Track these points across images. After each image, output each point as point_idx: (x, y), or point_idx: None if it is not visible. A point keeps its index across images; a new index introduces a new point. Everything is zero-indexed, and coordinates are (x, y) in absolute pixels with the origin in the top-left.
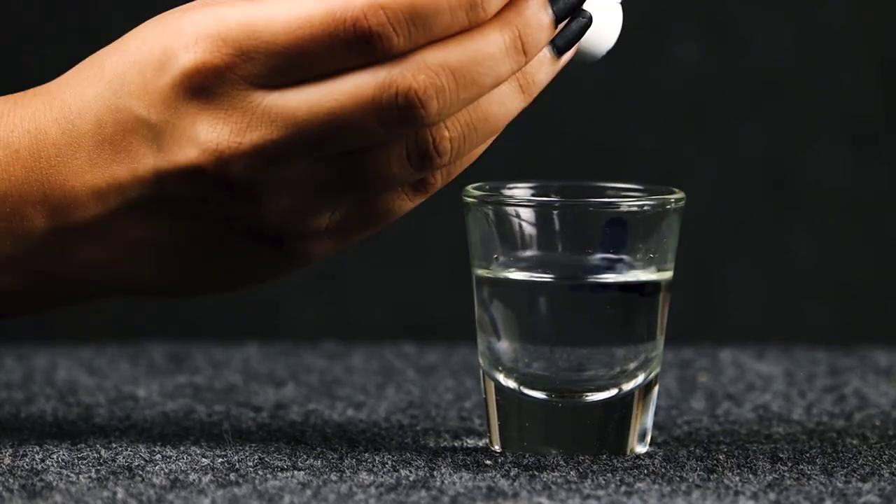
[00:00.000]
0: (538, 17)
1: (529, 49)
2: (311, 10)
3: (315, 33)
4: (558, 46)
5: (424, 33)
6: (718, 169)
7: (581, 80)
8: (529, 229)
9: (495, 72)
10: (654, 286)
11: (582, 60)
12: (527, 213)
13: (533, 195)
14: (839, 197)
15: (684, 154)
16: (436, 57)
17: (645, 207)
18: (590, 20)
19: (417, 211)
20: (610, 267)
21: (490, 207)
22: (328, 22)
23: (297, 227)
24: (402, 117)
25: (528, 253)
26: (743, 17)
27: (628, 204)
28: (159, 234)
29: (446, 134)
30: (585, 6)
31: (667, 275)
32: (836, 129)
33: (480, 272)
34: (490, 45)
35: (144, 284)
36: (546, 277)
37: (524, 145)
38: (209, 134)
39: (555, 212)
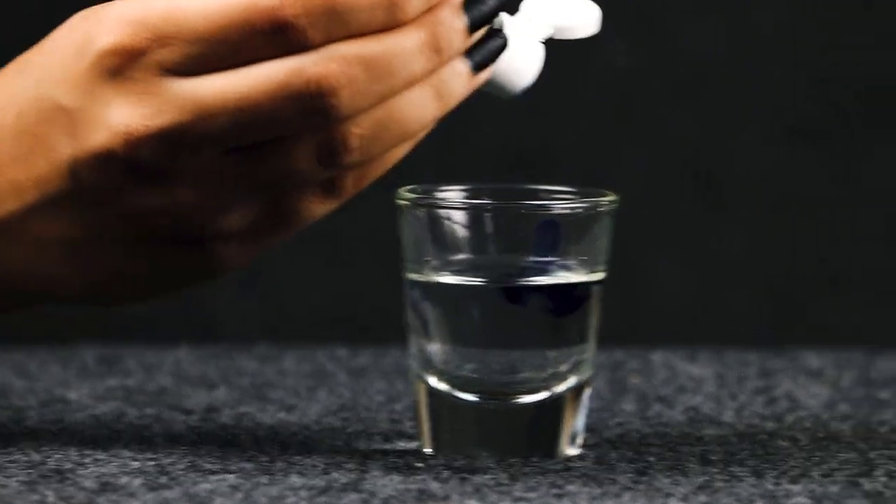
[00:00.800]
0: (452, 20)
1: (444, 48)
2: (231, 0)
3: (233, 22)
4: (475, 62)
5: (341, 28)
6: (647, 167)
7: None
8: (462, 232)
9: (409, 67)
10: (585, 288)
11: (499, 93)
12: (459, 216)
13: (465, 198)
14: (769, 195)
15: (614, 152)
16: (350, 48)
17: (577, 210)
18: (506, 42)
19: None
20: (542, 270)
21: (422, 210)
22: (246, 11)
23: (206, 225)
24: (312, 107)
25: (461, 256)
26: (671, 11)
27: (560, 206)
28: (74, 232)
29: (356, 130)
30: (509, 42)
31: (599, 277)
32: (765, 125)
33: (412, 275)
34: (405, 41)
35: (62, 287)
36: (478, 280)
37: (457, 148)
38: (120, 117)
39: (487, 214)
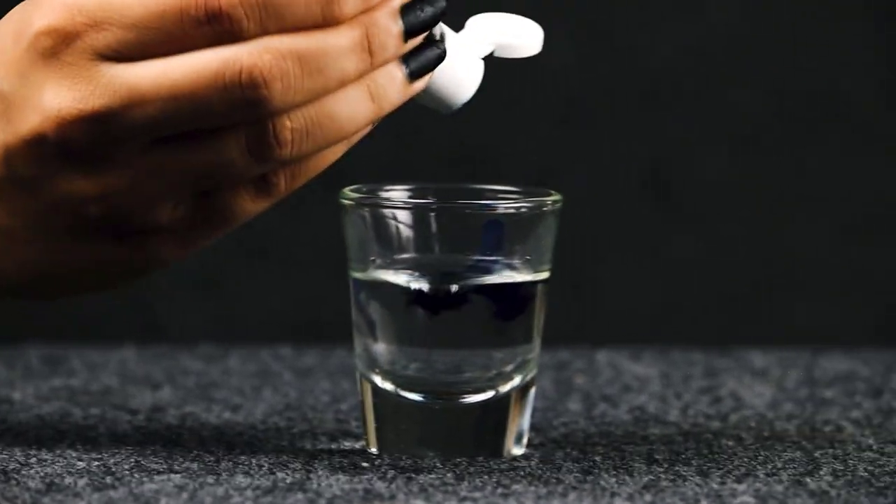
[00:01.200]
0: (387, 23)
1: (375, 50)
2: None
3: (167, 9)
4: (411, 70)
5: (276, 21)
6: (596, 168)
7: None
8: (406, 231)
9: (341, 65)
10: (530, 288)
11: (437, 107)
12: (403, 216)
13: (410, 197)
14: (716, 197)
15: (561, 153)
16: (284, 42)
17: (522, 209)
18: (443, 52)
19: (294, 213)
20: (487, 269)
21: (367, 210)
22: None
23: (137, 217)
24: (244, 97)
25: (405, 255)
26: (621, 16)
27: (505, 206)
28: (8, 221)
29: (288, 124)
30: (448, 55)
31: (543, 276)
32: (713, 128)
33: (357, 274)
34: (338, 39)
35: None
36: (423, 280)
37: (401, 147)
38: (53, 100)
39: (431, 214)
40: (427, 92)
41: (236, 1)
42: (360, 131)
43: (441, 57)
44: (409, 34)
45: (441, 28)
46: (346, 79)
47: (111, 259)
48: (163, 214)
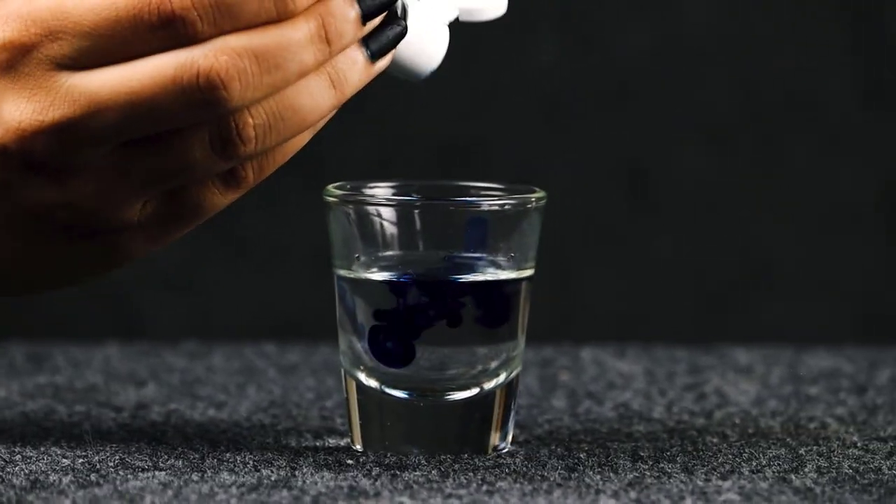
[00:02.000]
0: (343, 10)
1: (333, 39)
2: None
3: (121, 16)
4: (372, 51)
5: (230, 21)
6: (578, 166)
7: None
8: (390, 229)
9: (299, 58)
10: (514, 285)
11: (406, 77)
12: (388, 213)
13: (394, 194)
14: (697, 194)
15: (544, 151)
16: (239, 41)
17: (506, 207)
18: (405, 29)
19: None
20: (471, 266)
21: (351, 207)
22: (134, 5)
23: (107, 218)
24: (203, 99)
25: (389, 252)
26: (601, 15)
27: (489, 203)
28: None
29: (250, 121)
30: (410, 22)
31: (528, 273)
32: (695, 126)
33: (342, 272)
34: (294, 31)
35: None
36: (407, 277)
37: (385, 144)
38: (12, 113)
39: (416, 211)
40: (394, 64)
41: (189, 3)
42: (325, 118)
43: (402, 34)
44: (367, 17)
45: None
46: (306, 70)
47: (81, 256)
48: (131, 213)
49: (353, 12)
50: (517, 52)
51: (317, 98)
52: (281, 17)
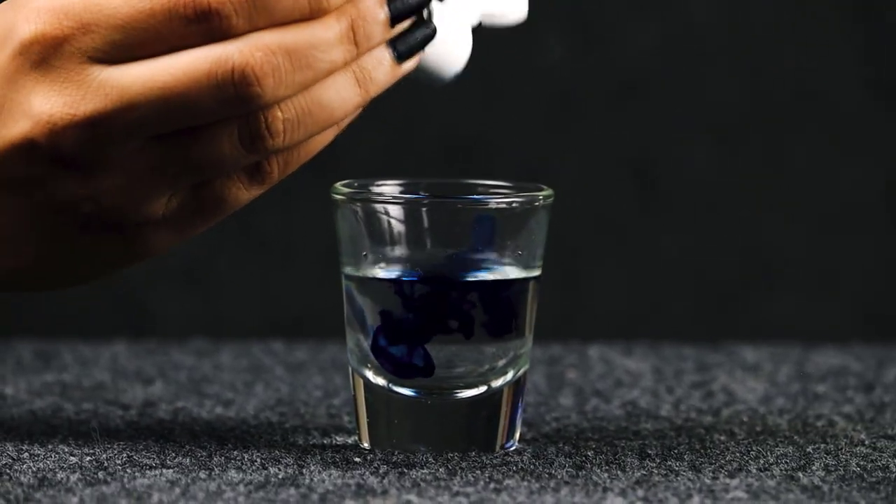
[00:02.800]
0: (373, 11)
1: (360, 40)
2: None
3: (155, 9)
4: (399, 51)
5: (265, 17)
6: (585, 165)
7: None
8: (398, 227)
9: (329, 57)
10: (522, 283)
11: (429, 80)
12: (395, 211)
13: (401, 192)
14: (705, 192)
15: (551, 149)
16: (273, 37)
17: (513, 205)
18: (433, 32)
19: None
20: (478, 264)
21: (358, 205)
22: None
23: (133, 212)
24: (237, 94)
25: (397, 250)
26: (607, 13)
27: (497, 201)
28: (1, 219)
29: (279, 115)
30: (437, 30)
31: (535, 272)
32: (702, 125)
33: (349, 269)
34: (326, 31)
35: None
36: (414, 275)
37: (392, 142)
38: (43, 105)
39: (423, 209)
40: (419, 66)
41: None
42: (351, 115)
43: (430, 37)
44: (395, 20)
45: (430, 3)
46: (334, 68)
47: (103, 250)
48: (157, 208)
49: (383, 14)
50: (525, 50)
51: (343, 95)
52: (314, 14)
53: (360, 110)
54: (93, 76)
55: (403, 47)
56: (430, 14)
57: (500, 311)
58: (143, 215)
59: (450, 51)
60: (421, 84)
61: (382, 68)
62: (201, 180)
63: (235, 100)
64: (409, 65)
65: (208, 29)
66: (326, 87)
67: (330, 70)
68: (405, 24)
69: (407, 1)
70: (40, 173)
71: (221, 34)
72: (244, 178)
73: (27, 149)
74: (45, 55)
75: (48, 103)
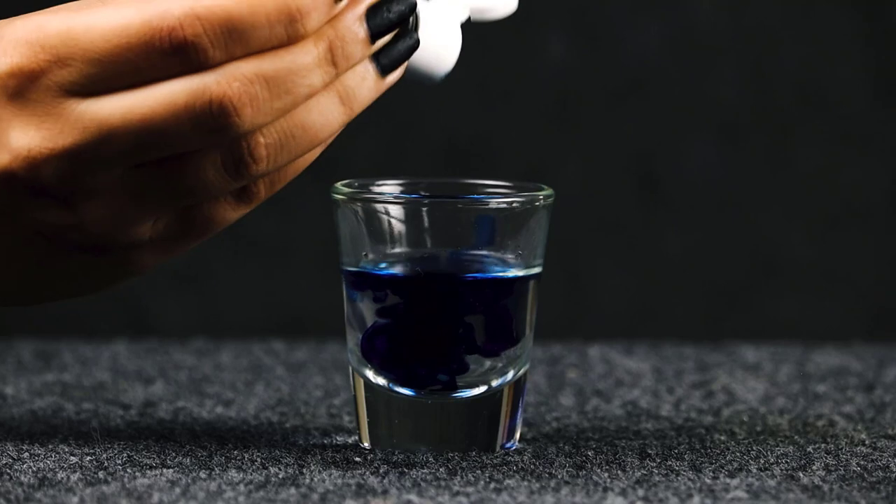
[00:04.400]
0: (352, 31)
1: (339, 61)
2: (130, 20)
3: (132, 42)
4: (383, 65)
5: (241, 46)
6: (587, 164)
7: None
8: (398, 226)
9: (308, 81)
10: (523, 283)
11: (419, 81)
12: (395, 211)
13: (402, 192)
14: (706, 192)
15: (552, 149)
16: (250, 66)
17: (514, 205)
18: (416, 42)
19: (287, 207)
20: (478, 264)
21: (359, 204)
22: (145, 31)
23: (118, 237)
24: (216, 125)
25: (397, 250)
26: (611, 13)
27: (497, 201)
28: None
29: (262, 140)
30: (422, 27)
31: (535, 271)
32: (704, 124)
33: (349, 269)
34: (304, 56)
35: None
36: (414, 275)
37: (393, 141)
38: (21, 139)
39: (423, 209)
40: (408, 70)
41: (200, 30)
42: (335, 133)
43: (413, 48)
44: (375, 37)
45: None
46: (314, 92)
47: (93, 271)
48: (143, 231)
49: (363, 32)
50: (525, 49)
51: (327, 115)
52: (291, 40)
53: (344, 126)
54: (70, 109)
55: (386, 60)
56: (413, 22)
57: (500, 314)
58: (129, 239)
59: (439, 52)
60: (413, 84)
61: (366, 84)
62: (187, 205)
63: (215, 130)
64: (394, 77)
65: (185, 61)
66: (309, 109)
67: (310, 94)
68: (386, 38)
69: (386, 16)
70: (20, 203)
71: (198, 65)
72: (231, 200)
73: (6, 180)
74: (21, 88)
75: (26, 137)
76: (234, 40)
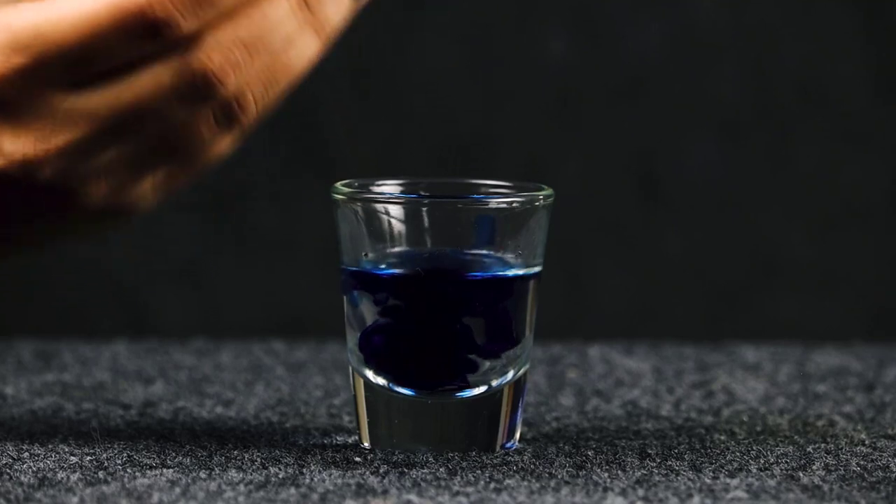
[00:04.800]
0: None
1: (312, 3)
2: (97, 6)
3: (103, 28)
4: None
5: (212, 12)
6: (587, 163)
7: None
8: (398, 226)
9: (284, 33)
10: (523, 283)
11: None
12: (395, 210)
13: (401, 192)
14: (706, 191)
15: (552, 148)
16: (226, 34)
17: (514, 204)
18: None
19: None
20: (479, 264)
21: (359, 204)
22: (114, 15)
23: (120, 200)
24: (202, 96)
25: (397, 250)
26: (612, 10)
27: (497, 201)
28: None
29: (248, 94)
30: None
31: (535, 271)
32: (704, 123)
33: (350, 269)
34: (276, 9)
35: None
36: (414, 275)
37: (392, 141)
38: (14, 145)
39: (423, 209)
40: None
41: (169, 7)
42: (314, 62)
43: None
44: None
45: None
46: (291, 37)
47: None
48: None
49: None
50: (526, 48)
51: (304, 52)
52: None
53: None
54: (57, 106)
55: None
56: None
57: (500, 314)
58: (133, 198)
59: None
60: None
61: (340, 11)
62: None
63: (204, 101)
64: None
65: (159, 40)
66: (288, 51)
67: (288, 40)
68: None
69: None
70: (23, 200)
71: (174, 41)
72: (212, 121)
73: (5, 184)
74: (3, 95)
75: (18, 141)
76: (204, 8)
